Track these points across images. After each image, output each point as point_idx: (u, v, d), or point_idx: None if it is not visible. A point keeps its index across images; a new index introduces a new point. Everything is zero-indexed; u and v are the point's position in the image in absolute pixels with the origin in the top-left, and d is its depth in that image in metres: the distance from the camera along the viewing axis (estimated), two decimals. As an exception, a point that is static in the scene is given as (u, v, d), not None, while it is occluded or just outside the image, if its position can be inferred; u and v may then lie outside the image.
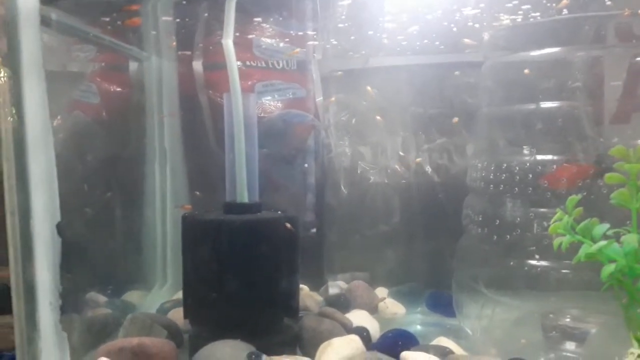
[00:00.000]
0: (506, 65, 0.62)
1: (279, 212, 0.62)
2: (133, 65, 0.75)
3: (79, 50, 0.73)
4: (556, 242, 0.46)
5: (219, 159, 0.71)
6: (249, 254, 0.57)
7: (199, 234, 0.59)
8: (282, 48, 0.89)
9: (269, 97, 0.88)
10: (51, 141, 0.48)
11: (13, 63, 0.45)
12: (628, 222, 0.44)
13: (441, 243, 0.76)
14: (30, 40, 0.45)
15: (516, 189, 0.58)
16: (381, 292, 0.76)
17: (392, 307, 0.72)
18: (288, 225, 0.60)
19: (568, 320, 0.54)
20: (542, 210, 0.57)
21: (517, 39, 0.61)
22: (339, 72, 0.92)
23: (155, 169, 0.76)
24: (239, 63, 0.90)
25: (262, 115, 0.85)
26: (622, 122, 0.57)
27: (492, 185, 0.61)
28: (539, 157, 0.58)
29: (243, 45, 0.85)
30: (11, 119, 0.45)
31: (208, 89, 0.83)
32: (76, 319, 0.55)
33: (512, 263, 0.59)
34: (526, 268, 0.57)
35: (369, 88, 0.82)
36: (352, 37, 0.89)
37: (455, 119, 0.81)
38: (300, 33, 0.89)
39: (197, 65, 0.83)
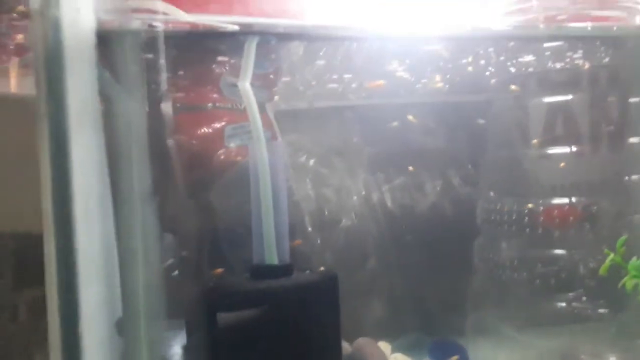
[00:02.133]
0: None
1: (308, 271, 0.56)
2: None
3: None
4: (629, 283, 0.48)
5: (193, 212, 0.62)
6: (293, 322, 0.51)
7: (234, 307, 0.51)
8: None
9: (239, 140, 0.81)
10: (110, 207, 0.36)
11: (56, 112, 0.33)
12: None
13: (434, 287, 0.76)
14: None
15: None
16: (384, 347, 0.73)
17: (403, 361, 0.70)
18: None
19: (584, 357, 0.58)
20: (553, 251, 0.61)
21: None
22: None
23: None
24: (209, 105, 0.82)
25: (233, 161, 0.78)
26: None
27: (514, 227, 0.63)
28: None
29: (212, 85, 0.78)
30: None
31: (178, 133, 0.74)
32: None
33: (536, 301, 0.61)
34: (550, 305, 0.60)
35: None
36: (305, 77, 0.88)
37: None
38: (264, 72, 0.85)
39: (166, 108, 0.73)
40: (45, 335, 0.45)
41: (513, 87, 0.63)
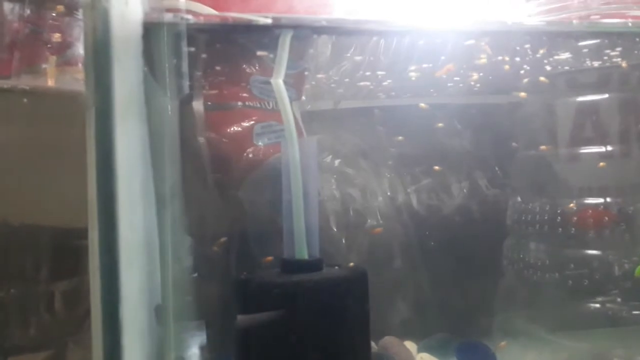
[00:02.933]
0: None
1: (337, 266, 0.57)
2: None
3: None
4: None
5: (223, 208, 0.62)
6: (322, 317, 0.51)
7: (265, 300, 0.51)
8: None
9: (267, 139, 0.82)
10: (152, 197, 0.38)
11: (104, 103, 0.34)
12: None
13: (462, 287, 0.75)
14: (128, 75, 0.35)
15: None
16: (410, 346, 0.72)
17: (429, 362, 0.69)
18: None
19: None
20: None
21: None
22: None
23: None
24: (239, 103, 0.83)
25: (262, 158, 0.79)
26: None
27: (546, 227, 0.62)
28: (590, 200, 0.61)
29: (242, 84, 0.79)
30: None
31: (208, 131, 0.75)
32: None
33: (568, 303, 0.60)
34: (583, 307, 0.59)
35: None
36: (332, 77, 0.88)
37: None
38: (294, 72, 0.85)
39: (198, 105, 0.74)
40: (79, 325, 0.45)
41: (542, 78, 0.62)
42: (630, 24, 0.49)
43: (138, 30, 0.36)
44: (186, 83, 0.72)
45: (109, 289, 0.35)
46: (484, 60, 0.60)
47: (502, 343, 0.58)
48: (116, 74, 0.35)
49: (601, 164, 0.59)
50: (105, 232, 0.36)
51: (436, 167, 0.82)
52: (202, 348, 0.59)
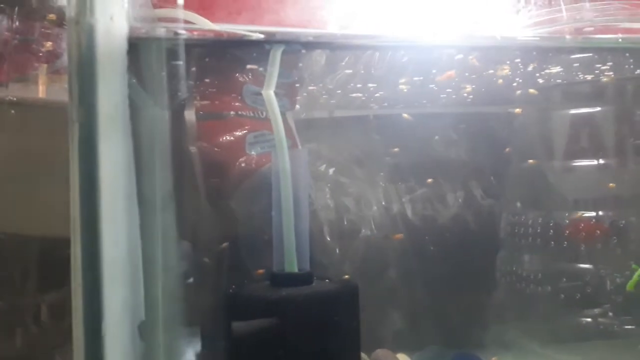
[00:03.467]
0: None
1: (327, 279, 0.56)
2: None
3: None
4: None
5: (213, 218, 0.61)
6: (312, 331, 0.51)
7: (253, 314, 0.51)
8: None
9: (259, 148, 0.82)
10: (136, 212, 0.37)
11: (87, 118, 0.34)
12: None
13: (456, 299, 0.75)
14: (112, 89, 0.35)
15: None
16: (403, 359, 0.72)
17: (422, 374, 0.68)
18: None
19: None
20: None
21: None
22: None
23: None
24: (231, 113, 0.83)
25: (255, 168, 0.78)
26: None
27: (538, 240, 0.62)
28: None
29: (235, 92, 0.78)
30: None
31: (201, 140, 0.75)
32: None
33: (561, 316, 0.60)
34: (575, 321, 0.58)
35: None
36: (326, 86, 0.88)
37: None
38: (287, 81, 0.85)
39: (190, 115, 0.74)
40: (66, 336, 0.45)
41: (531, 90, 0.62)
42: (620, 40, 0.49)
43: (123, 45, 0.36)
44: (177, 93, 0.72)
45: (91, 305, 0.35)
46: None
47: (494, 358, 0.58)
48: (100, 89, 0.34)
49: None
50: (87, 248, 0.35)
51: (430, 179, 0.81)
52: (202, 354, 0.59)
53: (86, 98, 0.34)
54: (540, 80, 0.63)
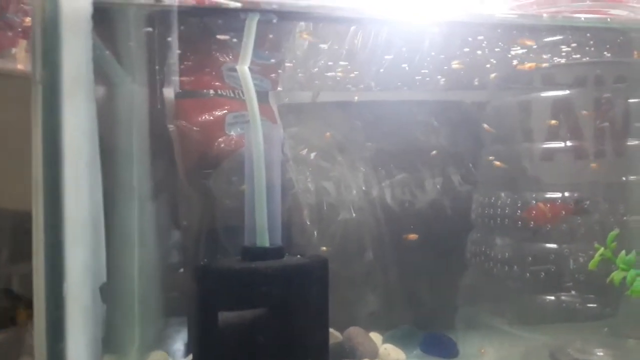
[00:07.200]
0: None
1: (299, 255, 0.57)
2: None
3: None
4: (616, 276, 0.48)
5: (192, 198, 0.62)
6: (280, 304, 0.52)
7: (223, 287, 0.51)
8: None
9: (239, 129, 0.82)
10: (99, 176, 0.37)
11: (51, 80, 0.34)
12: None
13: (427, 281, 0.76)
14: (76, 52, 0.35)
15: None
16: (375, 337, 0.73)
17: (393, 353, 0.70)
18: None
19: (572, 351, 0.57)
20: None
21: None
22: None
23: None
24: (211, 92, 0.82)
25: (234, 148, 0.78)
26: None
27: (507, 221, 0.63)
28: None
29: (215, 72, 0.78)
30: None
31: (179, 119, 0.75)
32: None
33: (527, 296, 0.61)
34: (540, 300, 0.60)
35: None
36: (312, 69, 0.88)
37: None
38: (269, 62, 0.85)
39: (168, 93, 0.74)
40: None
41: (493, 75, 0.63)
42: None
43: (88, 9, 0.36)
44: (154, 68, 0.72)
45: (52, 265, 0.35)
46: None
47: (482, 350, 0.59)
48: (64, 52, 0.35)
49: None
50: (50, 210, 0.36)
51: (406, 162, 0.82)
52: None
53: (49, 60, 0.34)
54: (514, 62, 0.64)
